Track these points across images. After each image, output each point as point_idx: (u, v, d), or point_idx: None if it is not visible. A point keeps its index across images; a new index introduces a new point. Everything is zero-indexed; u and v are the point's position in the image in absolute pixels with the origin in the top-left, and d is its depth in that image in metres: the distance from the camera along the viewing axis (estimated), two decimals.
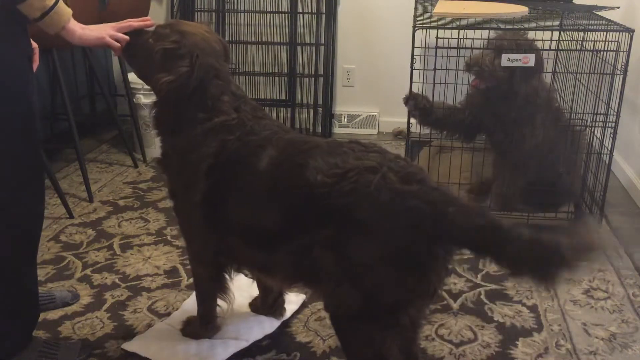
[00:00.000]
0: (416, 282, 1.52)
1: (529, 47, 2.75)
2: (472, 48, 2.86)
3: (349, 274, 1.54)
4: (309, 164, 1.59)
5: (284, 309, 2.19)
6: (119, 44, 1.86)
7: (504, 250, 1.46)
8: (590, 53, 2.84)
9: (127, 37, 1.87)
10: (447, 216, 1.48)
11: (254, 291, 2.22)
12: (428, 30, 2.76)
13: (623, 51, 2.66)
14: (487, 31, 2.85)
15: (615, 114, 2.74)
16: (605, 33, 2.74)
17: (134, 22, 1.90)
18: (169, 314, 2.22)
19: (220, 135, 1.77)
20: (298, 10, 4.07)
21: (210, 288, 1.99)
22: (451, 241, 1.54)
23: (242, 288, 2.25)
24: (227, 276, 1.97)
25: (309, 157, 1.61)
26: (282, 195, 1.64)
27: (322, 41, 4.08)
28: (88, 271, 2.52)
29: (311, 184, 1.56)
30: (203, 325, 2.04)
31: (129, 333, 2.12)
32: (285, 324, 2.18)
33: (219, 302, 2.03)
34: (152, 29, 1.90)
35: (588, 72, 2.85)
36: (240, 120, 1.79)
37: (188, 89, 1.77)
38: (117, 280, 2.45)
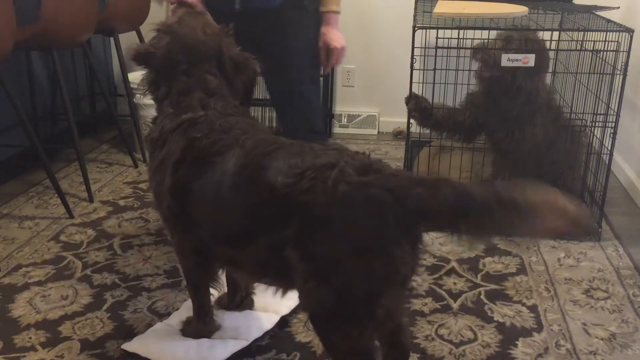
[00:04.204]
0: (385, 271, 1.51)
1: (536, 43, 2.75)
2: (472, 48, 2.87)
3: (316, 272, 1.55)
4: (272, 166, 1.61)
5: (253, 303, 2.21)
6: None
7: (478, 219, 1.45)
8: (590, 53, 2.84)
9: None
10: (412, 199, 1.47)
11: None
12: (428, 30, 2.76)
13: (623, 51, 2.66)
14: (487, 31, 2.85)
15: (615, 114, 2.74)
16: (605, 33, 2.74)
17: None
18: (169, 314, 2.22)
19: (188, 133, 1.81)
20: None
21: (199, 278, 1.99)
22: (419, 222, 1.53)
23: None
24: (215, 265, 1.97)
25: (271, 159, 1.63)
26: (245, 196, 1.65)
27: None
28: (88, 271, 2.52)
29: (273, 185, 1.57)
30: (200, 320, 2.04)
31: (129, 333, 2.12)
32: (285, 324, 2.18)
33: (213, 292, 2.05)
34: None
35: (588, 72, 2.85)
36: (207, 118, 1.83)
37: (155, 57, 1.92)
38: (117, 280, 2.45)
